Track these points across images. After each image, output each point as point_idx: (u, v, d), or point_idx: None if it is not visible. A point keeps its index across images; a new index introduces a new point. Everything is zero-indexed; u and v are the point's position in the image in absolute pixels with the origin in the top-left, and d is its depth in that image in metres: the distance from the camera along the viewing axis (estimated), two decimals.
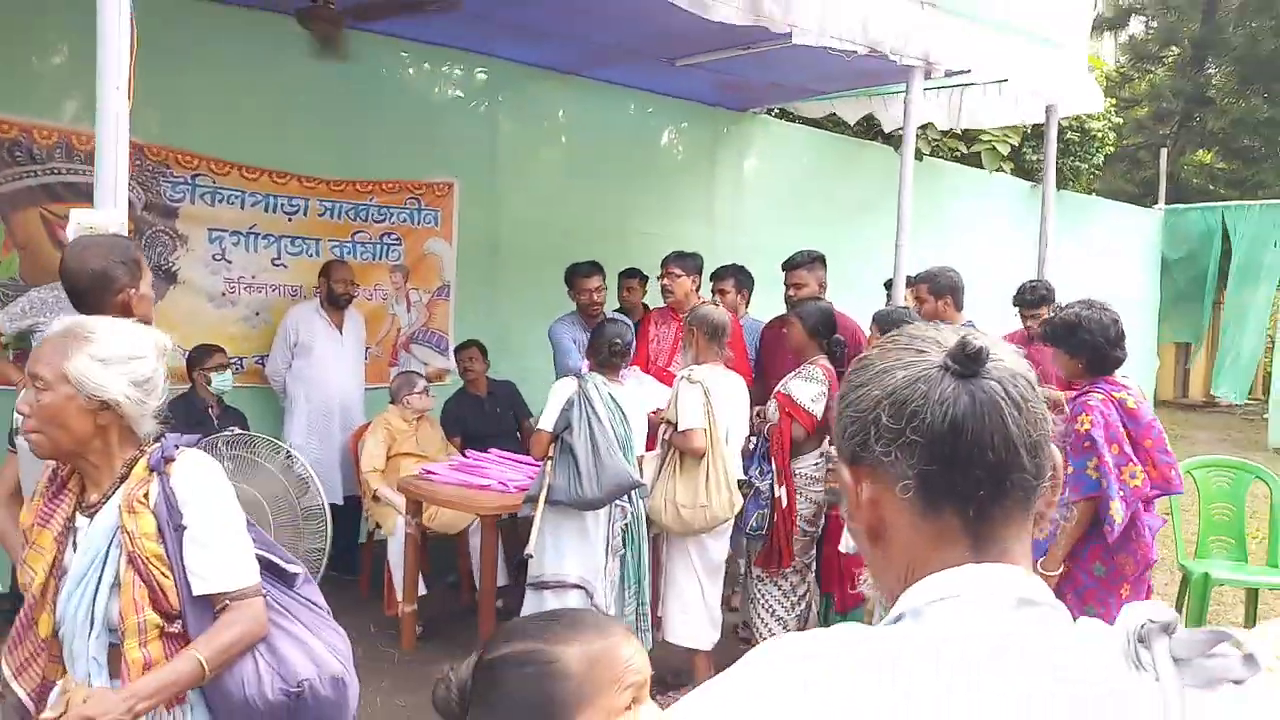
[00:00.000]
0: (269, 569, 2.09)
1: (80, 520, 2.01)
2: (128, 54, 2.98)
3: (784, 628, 4.44)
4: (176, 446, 2.02)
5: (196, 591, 1.95)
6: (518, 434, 6.22)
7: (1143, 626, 0.83)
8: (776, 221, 8.50)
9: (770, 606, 4.51)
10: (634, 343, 4.46)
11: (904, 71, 5.71)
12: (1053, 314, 3.90)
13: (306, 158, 6.06)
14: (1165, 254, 12.90)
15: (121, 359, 1.94)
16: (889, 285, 6.02)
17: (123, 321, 2.06)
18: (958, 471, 0.94)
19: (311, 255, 6.09)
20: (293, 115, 5.99)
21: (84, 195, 5.27)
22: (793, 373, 4.49)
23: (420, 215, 6.63)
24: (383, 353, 6.49)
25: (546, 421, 4.13)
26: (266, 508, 3.31)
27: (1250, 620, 5.23)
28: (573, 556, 4.09)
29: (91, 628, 1.96)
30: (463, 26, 6.03)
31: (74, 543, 2.00)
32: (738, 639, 4.76)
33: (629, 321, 5.60)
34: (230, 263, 5.80)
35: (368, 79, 6.47)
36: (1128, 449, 3.58)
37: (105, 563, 1.95)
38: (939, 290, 5.09)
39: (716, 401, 4.29)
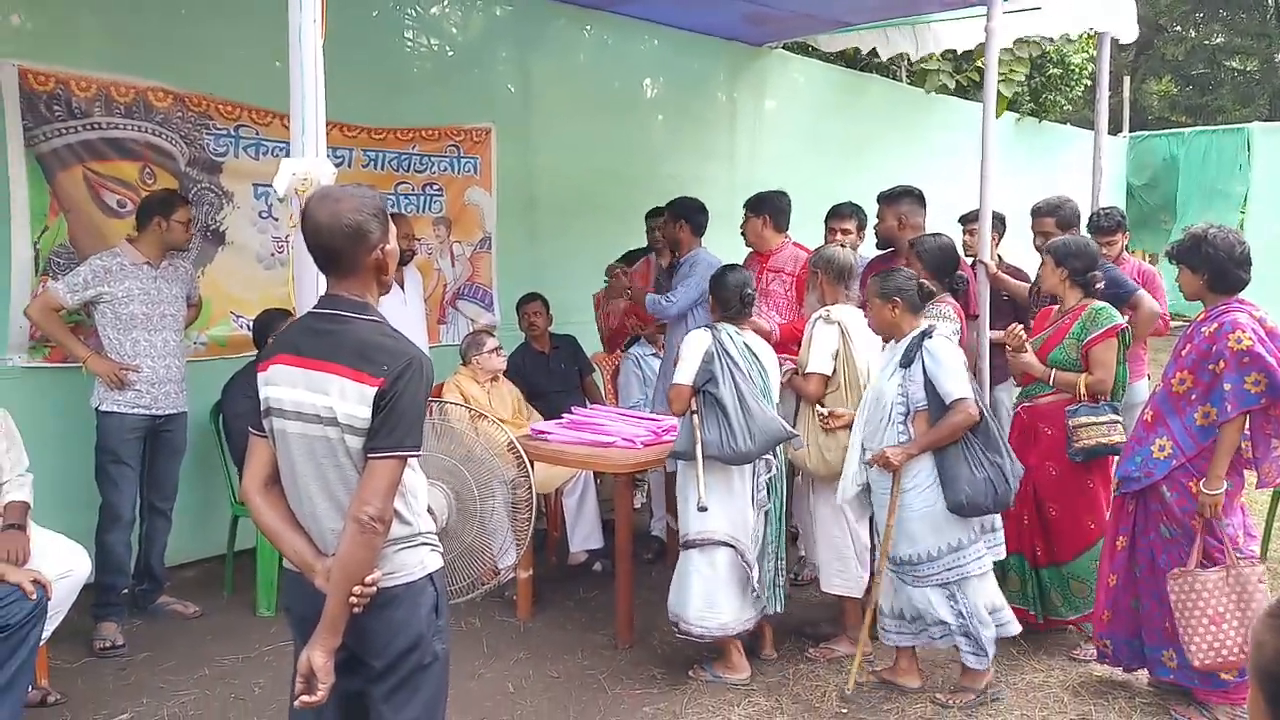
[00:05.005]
0: None
1: None
2: None
3: None
4: None
5: None
6: (580, 390, 5.98)
7: None
8: (792, 156, 8.32)
9: None
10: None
11: None
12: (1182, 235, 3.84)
13: (346, 105, 5.61)
14: (1130, 181, 13.14)
15: None
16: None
17: None
18: None
19: None
20: (329, 60, 5.54)
21: (128, 152, 4.84)
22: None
23: (460, 164, 6.26)
24: (431, 310, 6.14)
25: (685, 375, 3.89)
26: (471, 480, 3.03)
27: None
28: (719, 513, 3.87)
29: None
30: None
31: None
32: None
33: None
34: (277, 220, 5.39)
35: (400, 20, 6.05)
36: None
37: None
38: (1067, 221, 4.88)
39: (855, 340, 4.14)
